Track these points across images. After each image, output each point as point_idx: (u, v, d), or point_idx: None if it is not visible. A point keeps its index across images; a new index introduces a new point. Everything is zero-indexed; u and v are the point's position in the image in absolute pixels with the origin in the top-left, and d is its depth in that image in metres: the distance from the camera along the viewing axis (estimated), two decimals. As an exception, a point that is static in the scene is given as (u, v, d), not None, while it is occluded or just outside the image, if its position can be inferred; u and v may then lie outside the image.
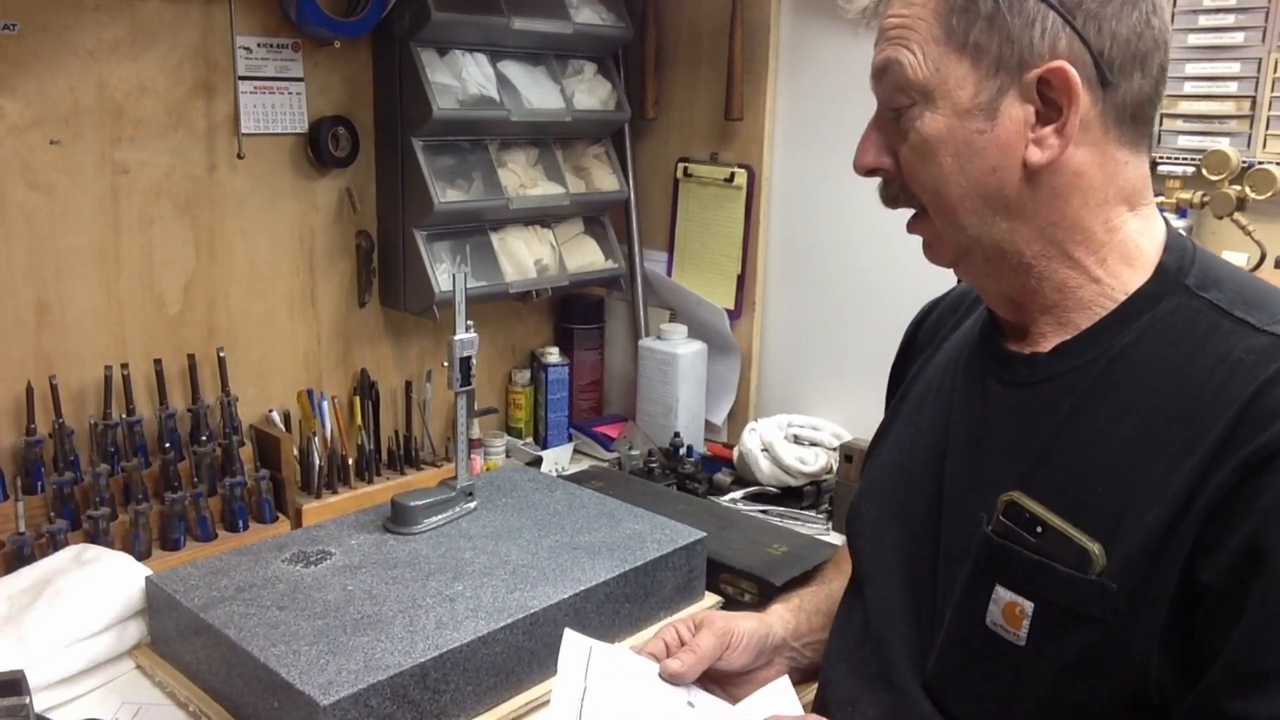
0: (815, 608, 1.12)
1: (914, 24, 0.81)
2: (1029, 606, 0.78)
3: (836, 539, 1.54)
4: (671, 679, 1.00)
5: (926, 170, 0.83)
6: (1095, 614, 0.75)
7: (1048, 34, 0.77)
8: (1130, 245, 0.82)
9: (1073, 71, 0.76)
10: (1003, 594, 0.80)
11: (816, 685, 1.02)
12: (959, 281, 1.05)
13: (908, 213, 0.89)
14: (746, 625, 1.05)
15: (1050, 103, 0.78)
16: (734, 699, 1.04)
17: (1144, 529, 0.73)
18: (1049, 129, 0.79)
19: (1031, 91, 0.78)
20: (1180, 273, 0.81)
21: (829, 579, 1.16)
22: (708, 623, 1.04)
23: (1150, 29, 0.79)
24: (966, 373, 0.93)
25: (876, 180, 0.89)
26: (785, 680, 0.95)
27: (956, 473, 0.89)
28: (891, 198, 0.88)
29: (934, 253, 0.89)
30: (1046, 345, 0.84)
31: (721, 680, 1.05)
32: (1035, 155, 0.79)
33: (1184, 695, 0.72)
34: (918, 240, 0.90)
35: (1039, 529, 0.79)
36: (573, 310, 2.07)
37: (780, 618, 1.10)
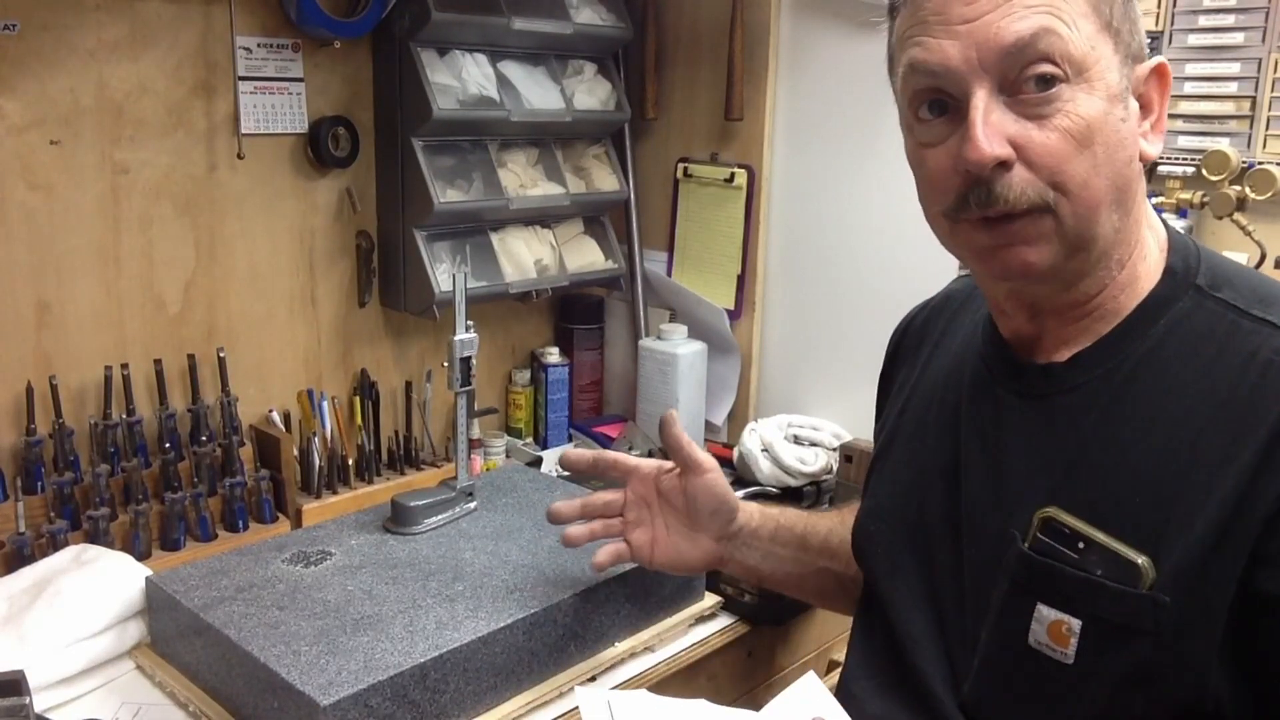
0: (789, 525, 1.14)
1: None
2: (1076, 624, 0.76)
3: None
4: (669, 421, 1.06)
5: (1080, 159, 0.74)
6: (1148, 628, 0.73)
7: (1143, 30, 0.78)
8: (1147, 245, 0.81)
9: (1169, 68, 0.78)
10: (1046, 613, 0.78)
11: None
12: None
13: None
14: (727, 483, 1.10)
15: (1141, 98, 0.78)
16: (668, 548, 1.10)
17: (1193, 539, 0.72)
18: (1148, 124, 0.79)
19: (1140, 85, 0.78)
20: (1189, 273, 0.80)
21: (818, 514, 1.18)
22: (709, 458, 1.10)
23: None
24: (974, 386, 0.90)
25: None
26: (812, 675, 0.93)
27: (975, 491, 0.87)
28: (1019, 195, 0.74)
29: (1030, 252, 0.77)
30: (1060, 355, 0.82)
31: (672, 515, 1.11)
32: (1149, 149, 0.78)
33: (1244, 702, 0.71)
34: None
35: (1081, 544, 0.77)
36: (573, 310, 2.06)
37: (748, 509, 1.13)
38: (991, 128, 0.74)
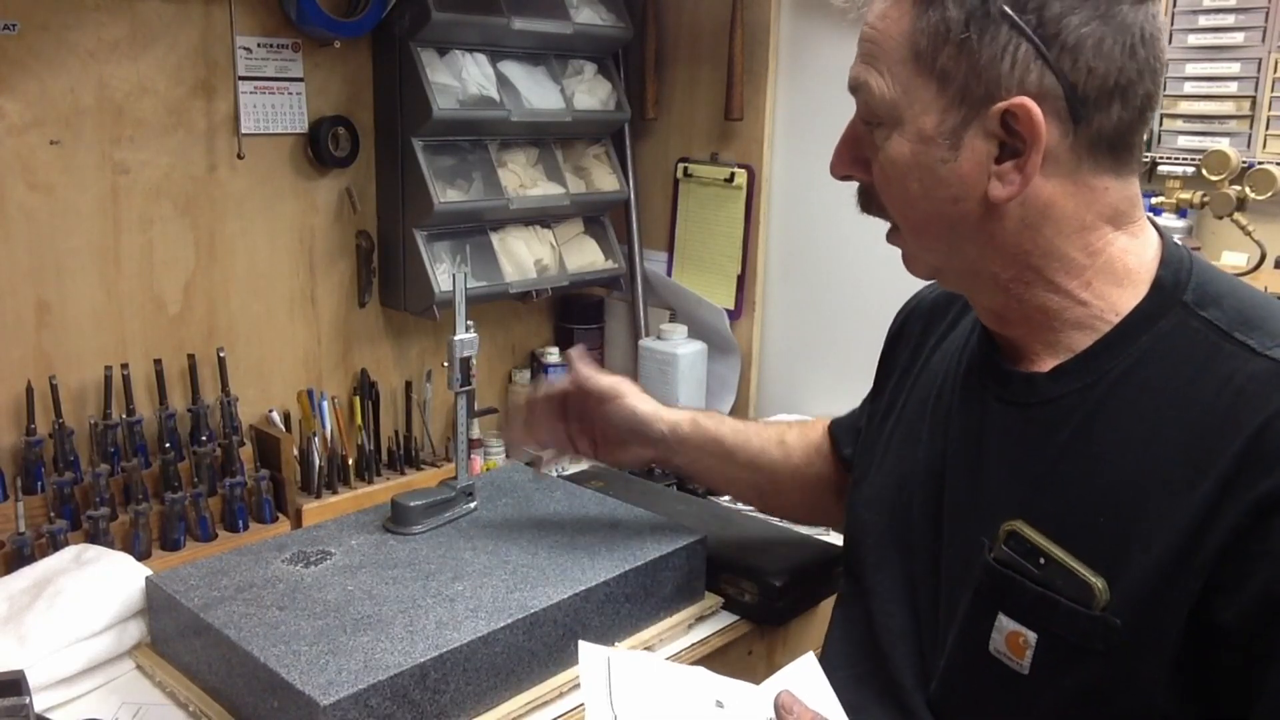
0: (719, 437, 1.23)
1: (884, 41, 0.79)
2: (1032, 637, 0.77)
3: (836, 538, 1.54)
4: (572, 364, 1.23)
5: (893, 192, 0.83)
6: (1099, 648, 0.74)
7: (1018, 66, 0.74)
8: (1118, 265, 0.80)
9: (1035, 109, 0.74)
10: (1006, 623, 0.79)
11: None
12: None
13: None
14: (637, 403, 1.23)
15: (1016, 135, 0.75)
16: (606, 453, 1.27)
17: (1149, 563, 0.72)
18: (1010, 164, 0.76)
19: (995, 125, 0.75)
20: (1177, 288, 0.78)
21: (757, 429, 1.27)
22: (619, 383, 1.24)
23: (1134, 60, 0.75)
24: (964, 387, 0.91)
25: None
26: (810, 657, 0.94)
27: (956, 493, 0.88)
28: (865, 205, 0.89)
29: (909, 265, 0.89)
30: (1044, 365, 0.82)
31: (594, 434, 1.26)
32: (996, 190, 0.77)
33: None
34: None
35: (1042, 560, 0.77)
36: (573, 310, 2.06)
37: (676, 419, 1.23)
38: (844, 148, 0.86)
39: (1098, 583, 0.74)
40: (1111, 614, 0.73)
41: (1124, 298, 0.80)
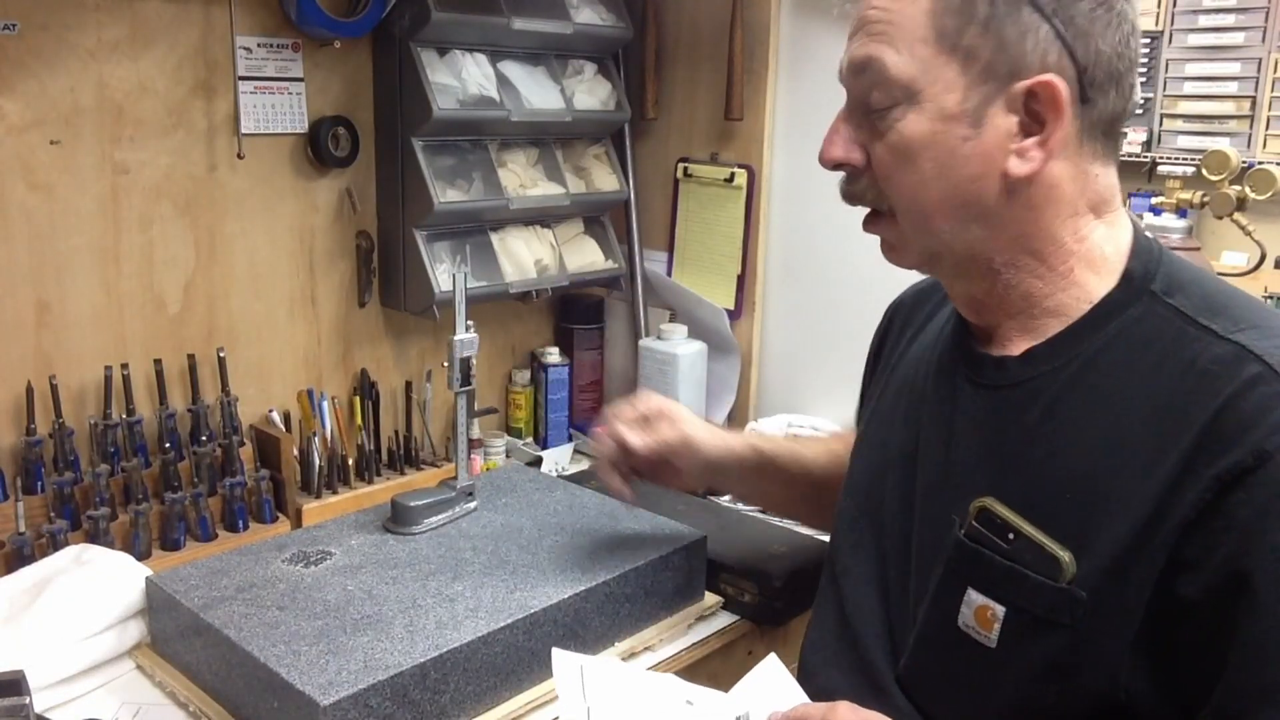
0: (772, 457, 1.20)
1: (901, 20, 0.79)
2: (1000, 611, 0.80)
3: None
4: (624, 441, 1.15)
5: (904, 173, 0.82)
6: (1065, 621, 0.76)
7: (1039, 46, 0.77)
8: (1096, 253, 0.82)
9: (1061, 86, 0.76)
10: (975, 597, 0.81)
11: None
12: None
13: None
14: (707, 453, 1.16)
15: (1033, 115, 0.78)
16: (661, 480, 1.22)
17: (1114, 539, 0.74)
18: (1030, 141, 0.78)
19: (1018, 102, 0.78)
20: (1147, 278, 0.81)
21: (807, 443, 1.25)
22: (670, 417, 1.17)
23: (1129, 50, 0.79)
24: (938, 371, 0.93)
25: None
26: (774, 657, 0.96)
27: (927, 473, 0.90)
28: (855, 195, 0.87)
29: (895, 255, 0.88)
30: (1015, 349, 0.85)
31: (650, 472, 1.20)
32: (1016, 167, 0.79)
33: (1156, 698, 0.73)
34: None
35: (1011, 535, 0.80)
36: (573, 310, 2.06)
37: (728, 447, 1.18)
38: (837, 134, 0.84)
39: (1065, 556, 0.76)
40: (1078, 587, 0.75)
41: (1098, 285, 0.82)
